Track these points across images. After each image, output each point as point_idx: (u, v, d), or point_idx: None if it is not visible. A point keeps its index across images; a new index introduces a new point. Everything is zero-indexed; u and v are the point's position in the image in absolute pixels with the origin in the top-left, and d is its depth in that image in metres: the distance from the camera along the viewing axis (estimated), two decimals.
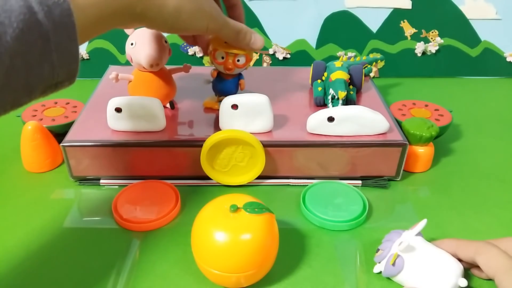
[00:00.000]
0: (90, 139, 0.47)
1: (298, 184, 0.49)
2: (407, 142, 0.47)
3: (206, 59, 0.77)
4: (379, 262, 0.37)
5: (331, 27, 0.77)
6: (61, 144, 0.47)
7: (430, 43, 0.77)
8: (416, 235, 0.37)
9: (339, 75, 0.52)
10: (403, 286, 0.36)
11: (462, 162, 0.55)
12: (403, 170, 0.50)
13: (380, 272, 0.37)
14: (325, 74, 0.56)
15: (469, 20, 0.77)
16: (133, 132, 0.48)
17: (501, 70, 0.79)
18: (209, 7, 0.39)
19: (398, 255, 0.36)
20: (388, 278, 0.37)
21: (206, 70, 0.54)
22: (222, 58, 0.47)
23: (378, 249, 0.38)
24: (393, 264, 0.36)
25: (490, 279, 0.36)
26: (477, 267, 0.37)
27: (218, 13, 0.41)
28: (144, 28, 0.50)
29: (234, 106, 0.45)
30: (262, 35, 0.44)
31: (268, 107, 0.46)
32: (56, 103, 0.59)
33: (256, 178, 0.48)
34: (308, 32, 0.77)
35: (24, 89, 0.28)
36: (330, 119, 0.47)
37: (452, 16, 0.77)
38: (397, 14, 0.76)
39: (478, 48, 0.78)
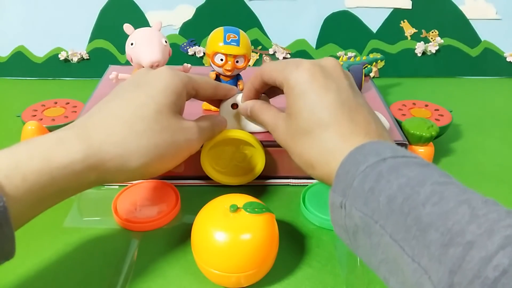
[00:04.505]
0: None
1: (298, 184, 0.49)
2: (407, 142, 0.47)
3: (206, 60, 0.77)
4: None
5: (331, 27, 0.77)
6: None
7: (430, 43, 0.77)
8: None
9: None
10: None
11: (462, 162, 0.55)
12: None
13: None
14: None
15: (469, 20, 0.77)
16: None
17: (501, 70, 0.79)
18: (174, 149, 0.36)
19: None
20: None
21: (206, 70, 0.54)
22: (221, 60, 0.47)
23: None
24: None
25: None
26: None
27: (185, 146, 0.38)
28: (144, 28, 0.50)
29: (234, 106, 0.46)
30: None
31: None
32: (56, 103, 0.59)
33: (256, 178, 0.48)
34: (308, 32, 0.77)
35: None
36: None
37: (452, 16, 0.77)
38: (397, 14, 0.77)
39: (478, 48, 0.78)
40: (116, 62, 0.76)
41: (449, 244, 0.23)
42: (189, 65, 0.54)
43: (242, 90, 0.51)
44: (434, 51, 0.77)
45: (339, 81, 0.34)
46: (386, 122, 0.47)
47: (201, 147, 0.45)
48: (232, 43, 0.47)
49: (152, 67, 0.48)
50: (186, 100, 0.40)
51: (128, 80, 0.38)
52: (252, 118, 0.43)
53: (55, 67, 0.76)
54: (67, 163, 0.30)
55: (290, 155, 0.36)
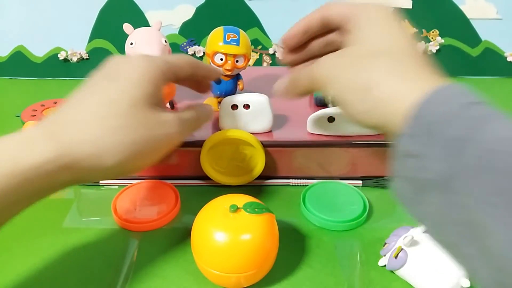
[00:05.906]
0: None
1: (298, 184, 0.49)
2: None
3: (206, 59, 0.77)
4: (384, 255, 0.38)
5: None
6: None
7: (430, 43, 0.77)
8: (424, 232, 0.37)
9: None
10: (405, 282, 0.36)
11: None
12: None
13: (385, 265, 0.38)
14: None
15: (470, 20, 0.77)
16: None
17: (502, 70, 0.79)
18: (153, 143, 0.33)
19: (402, 249, 0.36)
20: (389, 278, 0.37)
21: None
22: (221, 59, 0.47)
23: (385, 243, 0.39)
24: (396, 257, 0.36)
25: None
26: None
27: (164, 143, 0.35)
28: (144, 27, 0.50)
29: (234, 106, 0.45)
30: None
31: (268, 107, 0.46)
32: (55, 103, 0.59)
33: (256, 178, 0.48)
34: None
35: None
36: (330, 119, 0.46)
37: (453, 15, 0.77)
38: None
39: (478, 48, 0.78)
40: None
41: None
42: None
43: (242, 89, 0.51)
44: (434, 51, 0.77)
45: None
46: None
47: (201, 147, 0.45)
48: (232, 43, 0.47)
49: None
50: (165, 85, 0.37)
51: (100, 72, 0.35)
52: (293, 83, 0.37)
53: (55, 67, 0.76)
54: (38, 164, 0.29)
55: (333, 82, 0.31)
